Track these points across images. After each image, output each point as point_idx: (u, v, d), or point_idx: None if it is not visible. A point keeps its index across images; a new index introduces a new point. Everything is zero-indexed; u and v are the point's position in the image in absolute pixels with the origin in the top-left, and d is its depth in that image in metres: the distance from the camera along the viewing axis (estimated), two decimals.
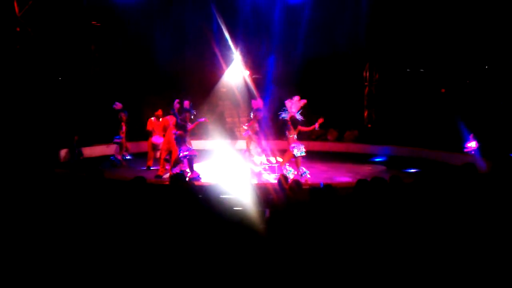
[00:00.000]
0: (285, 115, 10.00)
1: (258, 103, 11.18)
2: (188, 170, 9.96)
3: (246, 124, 11.66)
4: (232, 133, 17.57)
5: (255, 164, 10.88)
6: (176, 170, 9.91)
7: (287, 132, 9.97)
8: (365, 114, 17.94)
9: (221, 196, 4.81)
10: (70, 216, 4.14)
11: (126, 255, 3.65)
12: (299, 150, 9.89)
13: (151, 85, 16.80)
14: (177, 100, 10.25)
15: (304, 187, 5.47)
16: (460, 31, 14.12)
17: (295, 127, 9.96)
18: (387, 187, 4.75)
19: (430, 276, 3.49)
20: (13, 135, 11.11)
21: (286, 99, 10.13)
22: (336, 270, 3.55)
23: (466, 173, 4.92)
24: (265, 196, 5.16)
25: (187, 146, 9.84)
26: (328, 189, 4.93)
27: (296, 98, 10.04)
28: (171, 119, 10.51)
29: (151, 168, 11.76)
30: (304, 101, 10.04)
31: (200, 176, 9.96)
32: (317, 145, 16.70)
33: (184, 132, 9.83)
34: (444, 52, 14.94)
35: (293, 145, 9.90)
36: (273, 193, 5.14)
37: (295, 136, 9.98)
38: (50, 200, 4.61)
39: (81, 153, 13.52)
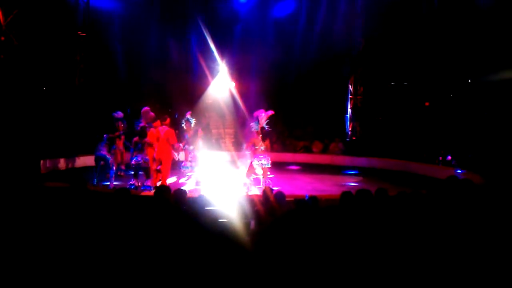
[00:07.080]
0: (256, 127, 10.02)
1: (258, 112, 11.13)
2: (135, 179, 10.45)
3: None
4: (217, 144, 17.52)
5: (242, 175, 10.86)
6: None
7: (255, 143, 9.98)
8: (350, 126, 18.04)
9: (206, 208, 4.78)
10: (52, 229, 4.08)
11: (109, 268, 3.60)
12: (267, 161, 9.96)
13: (136, 96, 16.70)
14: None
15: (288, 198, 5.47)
16: (443, 46, 14.34)
17: (264, 139, 9.99)
18: (372, 199, 4.78)
19: None
20: None
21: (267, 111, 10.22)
22: (322, 283, 3.54)
23: (451, 186, 4.96)
24: (250, 207, 5.15)
25: (141, 155, 10.18)
26: (313, 200, 4.94)
27: (262, 110, 10.21)
28: (162, 130, 10.47)
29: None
30: (271, 112, 10.14)
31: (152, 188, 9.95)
32: (302, 157, 16.78)
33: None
34: (427, 65, 15.15)
35: (260, 156, 9.90)
36: (258, 205, 5.13)
37: (262, 148, 10.00)
38: (32, 212, 4.54)
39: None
